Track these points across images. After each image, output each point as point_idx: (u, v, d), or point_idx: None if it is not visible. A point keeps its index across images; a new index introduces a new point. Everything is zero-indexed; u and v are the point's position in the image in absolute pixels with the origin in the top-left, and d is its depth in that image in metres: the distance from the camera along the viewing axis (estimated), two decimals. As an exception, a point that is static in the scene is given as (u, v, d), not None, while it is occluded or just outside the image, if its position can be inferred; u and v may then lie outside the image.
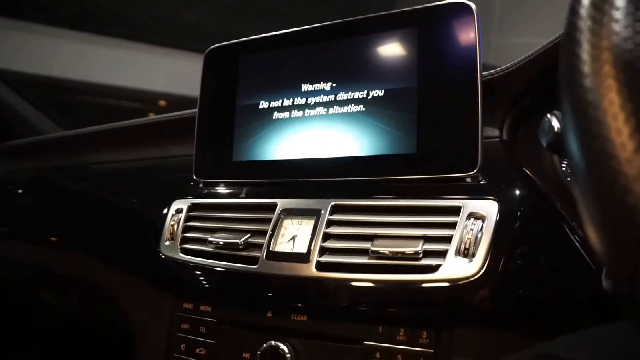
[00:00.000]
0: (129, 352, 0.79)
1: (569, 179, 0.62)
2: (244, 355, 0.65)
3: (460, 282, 0.54)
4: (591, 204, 0.31)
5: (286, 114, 0.73)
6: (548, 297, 0.55)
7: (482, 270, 0.53)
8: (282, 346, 0.61)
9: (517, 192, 0.59)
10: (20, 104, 1.48)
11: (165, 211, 0.79)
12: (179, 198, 0.79)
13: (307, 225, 0.65)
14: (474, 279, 0.53)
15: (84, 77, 4.00)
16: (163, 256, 0.74)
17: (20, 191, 1.09)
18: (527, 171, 0.62)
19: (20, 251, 1.02)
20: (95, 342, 1.01)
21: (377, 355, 0.58)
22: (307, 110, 0.71)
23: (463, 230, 0.56)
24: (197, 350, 0.70)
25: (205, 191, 0.79)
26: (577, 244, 0.56)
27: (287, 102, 0.73)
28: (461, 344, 0.54)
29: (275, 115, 0.74)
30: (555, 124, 0.47)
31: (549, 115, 0.48)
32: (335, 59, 0.70)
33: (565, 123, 0.33)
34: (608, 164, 0.28)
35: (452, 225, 0.57)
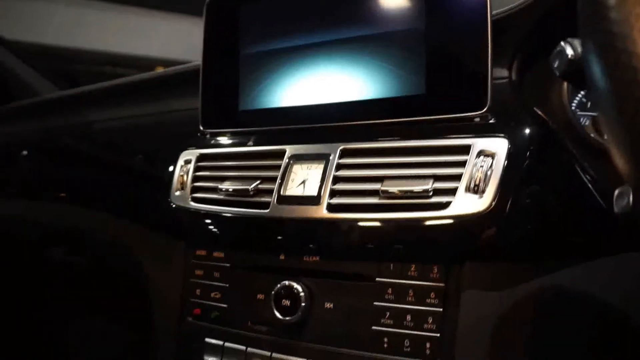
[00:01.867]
0: (144, 301, 0.81)
1: (580, 118, 0.63)
2: (258, 296, 0.67)
3: (470, 218, 0.55)
4: (618, 125, 0.31)
5: (291, 60, 0.72)
6: (557, 232, 0.56)
7: (492, 206, 0.54)
8: (295, 285, 0.63)
9: (527, 130, 0.59)
10: (18, 66, 1.46)
11: (173, 163, 0.79)
12: (187, 149, 0.80)
13: (316, 169, 0.66)
14: (484, 214, 0.54)
15: (78, 44, 3.92)
16: (174, 205, 0.75)
17: (26, 151, 1.09)
18: (536, 110, 0.62)
19: (30, 210, 1.03)
20: (111, 295, 1.03)
21: (389, 291, 0.59)
22: (312, 55, 0.70)
23: (473, 168, 0.56)
24: (212, 295, 0.72)
25: (213, 142, 0.79)
26: (587, 182, 0.57)
27: (291, 48, 0.72)
28: (471, 277, 0.56)
29: (280, 61, 0.73)
30: (570, 51, 0.47)
31: (562, 43, 0.48)
32: (340, 0, 0.69)
33: (587, 44, 0.33)
34: (636, 79, 0.28)
35: (462, 164, 0.58)
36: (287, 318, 0.62)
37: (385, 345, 0.59)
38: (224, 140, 0.79)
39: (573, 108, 0.64)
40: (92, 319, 1.40)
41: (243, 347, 0.67)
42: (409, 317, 0.58)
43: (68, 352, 1.53)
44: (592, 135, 0.61)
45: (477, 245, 0.56)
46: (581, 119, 0.63)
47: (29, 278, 1.17)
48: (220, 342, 0.69)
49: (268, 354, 0.65)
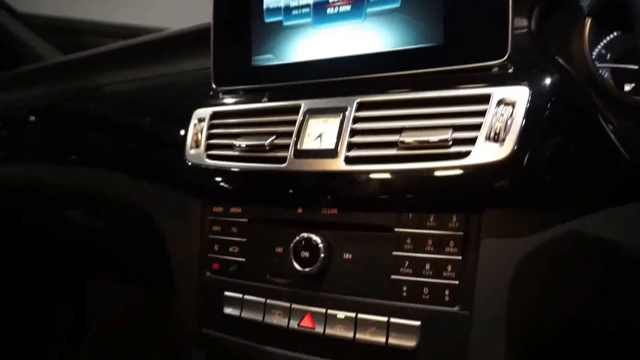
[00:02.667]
0: (163, 259, 0.82)
1: (600, 70, 0.62)
2: (276, 249, 0.68)
3: (490, 166, 0.54)
4: None
5: (304, 13, 0.70)
6: (577, 180, 0.56)
7: (513, 154, 0.54)
8: (314, 237, 0.63)
9: (549, 78, 0.58)
10: (24, 32, 1.45)
11: (186, 121, 0.79)
12: (200, 108, 0.79)
13: (333, 123, 0.65)
14: (504, 162, 0.54)
15: (80, 15, 3.85)
16: (189, 163, 0.75)
17: (36, 116, 1.09)
18: (558, 59, 0.61)
19: (45, 174, 1.03)
20: (130, 255, 1.05)
21: (408, 241, 0.60)
22: (325, 7, 0.69)
23: (493, 118, 0.56)
24: (231, 249, 0.73)
25: (226, 99, 0.79)
26: (609, 132, 0.56)
27: (304, 0, 0.71)
28: (490, 225, 0.56)
29: (293, 15, 0.71)
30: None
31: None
32: (357, -51, 0.67)
33: None
34: None
35: (482, 113, 0.57)
36: (306, 269, 0.63)
37: (404, 294, 0.59)
38: (237, 97, 0.78)
39: (594, 57, 0.63)
40: (113, 279, 1.44)
41: (262, 299, 0.68)
42: (427, 266, 0.59)
43: (89, 312, 1.57)
44: (613, 86, 0.60)
45: (497, 193, 0.56)
46: (601, 71, 0.62)
47: (49, 240, 1.19)
48: (240, 295, 0.70)
49: (287, 305, 0.66)
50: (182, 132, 0.79)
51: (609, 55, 0.63)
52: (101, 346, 1.62)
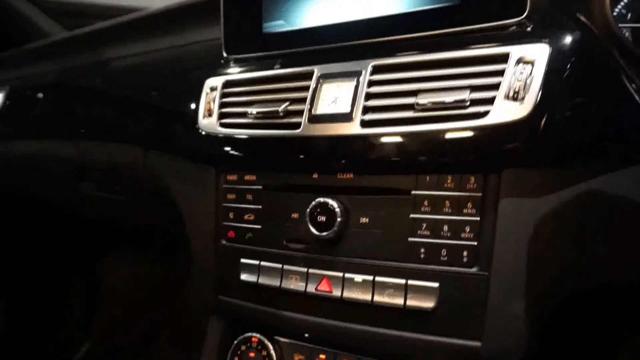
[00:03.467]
0: (178, 229, 0.82)
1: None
2: (292, 215, 0.68)
3: (510, 125, 0.54)
4: None
5: (317, -24, 0.69)
6: (598, 139, 0.55)
7: (532, 112, 0.53)
8: (330, 202, 0.63)
9: (570, 36, 0.56)
10: (31, 11, 1.44)
11: (198, 91, 0.78)
12: (211, 77, 0.78)
13: (347, 87, 0.64)
14: (524, 121, 0.53)
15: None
16: (203, 132, 0.75)
17: (47, 92, 1.09)
18: (579, 17, 0.60)
19: (58, 150, 1.04)
20: (144, 227, 1.05)
21: (425, 203, 0.59)
22: (339, -31, 0.67)
23: (512, 77, 0.55)
24: (246, 217, 0.73)
25: (238, 67, 0.78)
26: (632, 91, 0.55)
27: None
28: (509, 185, 0.55)
29: (305, -22, 0.70)
30: None
31: None
32: None
33: None
34: None
35: (500, 73, 0.56)
36: (323, 234, 0.63)
37: (422, 256, 0.59)
38: (249, 65, 0.77)
39: (615, 15, 0.61)
40: (128, 252, 1.45)
41: (279, 265, 0.68)
42: (445, 228, 0.58)
43: (105, 285, 1.59)
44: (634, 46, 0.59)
45: (516, 152, 0.55)
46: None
47: (64, 215, 1.20)
48: (256, 262, 0.71)
49: (304, 270, 0.66)
50: (194, 102, 0.78)
51: (629, 16, 0.61)
52: (117, 319, 1.65)
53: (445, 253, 0.58)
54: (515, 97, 0.54)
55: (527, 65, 0.55)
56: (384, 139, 0.60)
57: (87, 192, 1.03)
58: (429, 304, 0.58)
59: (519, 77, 0.55)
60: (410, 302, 0.59)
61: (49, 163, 1.06)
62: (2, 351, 1.44)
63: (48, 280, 1.56)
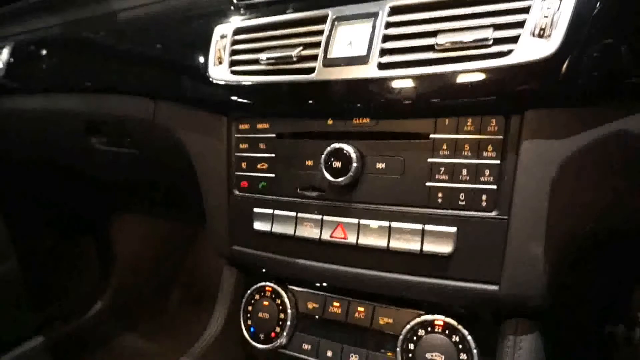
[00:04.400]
0: (190, 181, 0.82)
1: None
2: (306, 162, 0.67)
3: (534, 64, 0.51)
4: None
5: None
6: (626, 78, 0.53)
7: (559, 50, 0.50)
8: (346, 147, 0.62)
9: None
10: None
11: (208, 39, 0.76)
12: (221, 24, 0.76)
13: (364, 29, 0.62)
14: (550, 59, 0.51)
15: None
16: (213, 80, 0.73)
17: (52, 46, 1.06)
18: None
19: (66, 103, 1.02)
20: (156, 181, 1.05)
21: (444, 147, 0.58)
22: None
23: (538, 12, 0.52)
24: (259, 166, 0.72)
25: (248, 14, 0.75)
26: None
27: None
28: (532, 127, 0.54)
29: None
30: None
31: None
32: None
33: None
34: None
35: (526, 10, 0.53)
36: (339, 180, 0.62)
37: (440, 200, 0.58)
38: (259, 10, 0.74)
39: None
40: (141, 206, 1.46)
41: (293, 213, 0.68)
42: (464, 172, 0.57)
43: (119, 241, 1.61)
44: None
45: (540, 93, 0.53)
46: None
47: (76, 171, 1.20)
48: (270, 211, 0.70)
49: (319, 217, 0.66)
50: (204, 51, 0.76)
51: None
52: (131, 275, 1.68)
53: (463, 197, 0.57)
54: (541, 34, 0.52)
55: (555, 0, 0.52)
56: (402, 82, 0.58)
57: (97, 147, 1.02)
58: (446, 249, 0.58)
59: (546, 13, 0.52)
60: (427, 248, 0.59)
61: (58, 118, 1.05)
62: (18, 310, 1.48)
63: (62, 239, 1.58)
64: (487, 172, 0.56)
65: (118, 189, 1.24)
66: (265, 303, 0.75)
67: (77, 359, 1.61)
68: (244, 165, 0.73)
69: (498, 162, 0.55)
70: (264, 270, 0.77)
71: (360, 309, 0.69)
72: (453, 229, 0.58)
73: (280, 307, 0.74)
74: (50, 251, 1.55)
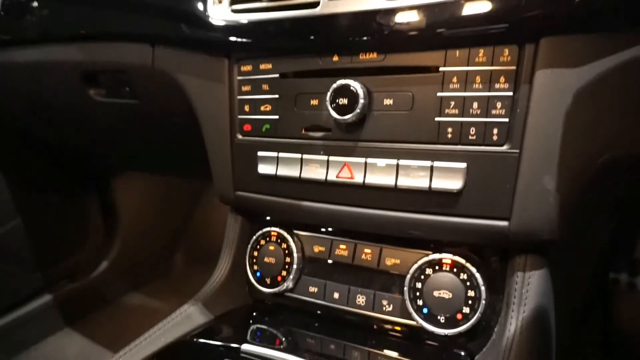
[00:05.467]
0: (192, 129, 0.80)
1: None
2: (311, 102, 0.65)
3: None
4: None
5: None
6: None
7: None
8: (352, 84, 0.60)
9: None
10: None
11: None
12: None
13: (370, -42, 0.59)
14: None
15: None
16: (213, 20, 0.70)
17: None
18: None
19: (62, 54, 0.99)
20: (158, 130, 1.03)
21: (454, 80, 0.56)
22: None
23: None
24: (262, 108, 0.70)
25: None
26: None
27: None
28: (547, 55, 0.51)
29: None
30: None
31: None
32: None
33: None
34: None
35: None
36: (345, 117, 0.60)
37: (449, 136, 0.57)
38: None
39: None
40: (143, 162, 1.45)
41: (298, 155, 0.66)
42: (475, 105, 0.55)
43: (122, 196, 1.61)
44: None
45: (556, 16, 0.50)
46: None
47: (76, 125, 1.18)
48: (274, 154, 0.69)
49: (325, 158, 0.64)
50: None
51: None
52: (135, 234, 1.69)
53: (474, 132, 0.56)
54: (557, -47, 0.49)
55: None
56: (411, 12, 0.55)
57: (96, 99, 0.99)
58: (455, 185, 0.57)
59: None
60: (436, 185, 0.58)
61: (54, 70, 1.02)
62: (24, 269, 1.49)
63: (65, 198, 1.57)
64: (498, 104, 0.54)
65: (119, 141, 1.22)
66: (271, 248, 0.75)
67: (84, 316, 1.63)
68: (246, 108, 0.72)
69: (510, 94, 0.54)
70: (268, 218, 0.76)
71: (367, 250, 0.68)
72: (463, 165, 0.56)
73: (286, 251, 0.74)
74: (54, 210, 1.55)
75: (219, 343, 0.63)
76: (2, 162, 1.37)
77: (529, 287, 0.58)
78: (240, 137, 0.73)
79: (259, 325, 0.70)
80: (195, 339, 0.64)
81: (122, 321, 1.64)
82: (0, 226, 1.39)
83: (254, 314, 0.75)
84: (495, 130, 0.55)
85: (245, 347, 0.60)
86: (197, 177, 1.60)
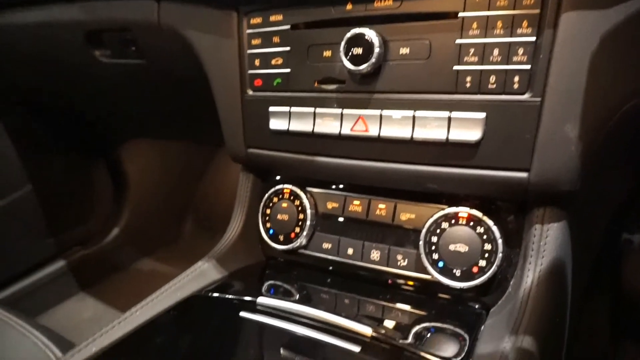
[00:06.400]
0: (200, 87, 0.78)
1: None
2: (324, 54, 0.63)
3: None
4: None
5: None
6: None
7: None
8: (367, 32, 0.58)
9: None
10: None
11: None
12: None
13: None
14: None
15: None
16: (221, -30, 0.68)
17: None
18: None
19: (64, 13, 0.97)
20: (166, 88, 1.02)
21: (474, 25, 0.53)
22: None
23: None
24: (273, 62, 0.68)
25: None
26: None
27: None
28: (573, -2, 0.49)
29: None
30: None
31: None
32: None
33: None
34: None
35: None
36: (360, 68, 0.58)
37: (468, 85, 0.55)
38: None
39: None
40: (152, 126, 1.44)
41: (311, 109, 0.65)
42: (496, 52, 0.53)
43: (131, 166, 1.61)
44: None
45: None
46: None
47: (83, 84, 1.16)
48: (286, 109, 0.67)
49: (338, 111, 0.63)
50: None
51: None
52: (144, 202, 1.70)
53: (494, 80, 0.54)
54: None
55: None
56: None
57: (102, 60, 0.97)
58: (474, 136, 0.55)
59: None
60: (454, 136, 0.56)
61: (58, 31, 0.99)
62: (36, 235, 1.50)
63: (75, 165, 1.57)
64: (520, 51, 0.52)
65: (127, 108, 1.21)
66: (284, 205, 0.75)
67: (98, 282, 1.66)
68: (257, 62, 0.70)
69: (533, 39, 0.51)
70: (278, 177, 0.75)
71: (382, 206, 0.68)
72: (482, 115, 0.55)
73: (299, 208, 0.73)
74: (64, 178, 1.55)
75: (235, 297, 0.63)
76: (11, 130, 1.36)
77: (547, 240, 0.57)
78: (250, 92, 0.72)
79: (273, 281, 0.70)
80: (210, 293, 0.65)
81: (134, 286, 1.67)
82: (12, 192, 1.40)
83: (268, 270, 0.75)
84: (516, 78, 0.53)
85: (261, 300, 0.61)
86: (206, 143, 1.59)
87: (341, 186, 0.73)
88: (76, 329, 1.46)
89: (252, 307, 0.60)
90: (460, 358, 0.50)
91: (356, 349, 0.51)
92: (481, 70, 0.54)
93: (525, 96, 0.53)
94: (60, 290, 1.60)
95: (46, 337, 0.78)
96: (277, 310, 0.59)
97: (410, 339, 0.54)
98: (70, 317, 1.57)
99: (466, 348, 0.52)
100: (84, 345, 0.57)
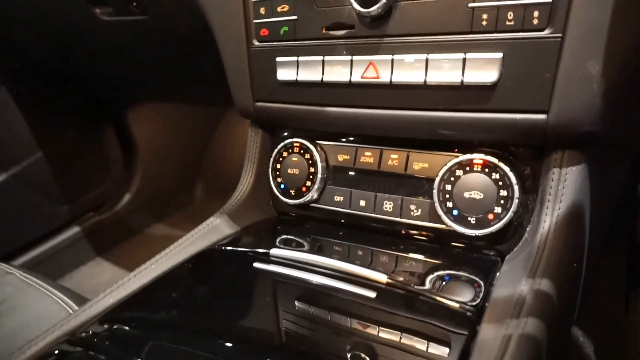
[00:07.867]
0: (205, 41, 0.76)
1: None
2: (332, -3, 0.60)
3: None
4: None
5: None
6: None
7: None
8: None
9: None
10: None
11: None
12: None
13: None
14: None
15: None
16: None
17: None
18: None
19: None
20: (170, 45, 0.99)
21: (491, -42, 0.51)
22: None
23: None
24: (279, 9, 0.65)
25: None
26: None
27: None
28: None
29: None
30: None
31: None
32: None
33: None
34: None
35: None
36: (370, 10, 0.56)
37: (484, 23, 0.52)
38: None
39: None
40: (157, 88, 1.43)
41: (320, 57, 0.63)
42: (514, -12, 0.50)
43: (139, 131, 1.60)
44: None
45: None
46: None
47: (86, 45, 1.14)
48: (294, 58, 0.65)
49: (348, 58, 0.60)
50: None
51: None
52: (155, 164, 1.70)
53: (512, 16, 0.51)
54: None
55: None
56: None
57: (103, 19, 0.95)
58: (490, 78, 0.53)
59: None
60: (469, 78, 0.54)
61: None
62: (50, 202, 1.52)
63: (84, 130, 1.57)
64: None
65: (132, 69, 1.19)
66: (294, 159, 0.74)
67: (113, 247, 1.69)
68: (262, 10, 0.67)
69: (554, -27, 0.48)
70: (286, 134, 0.73)
71: (394, 156, 0.66)
72: (498, 55, 0.52)
73: (310, 162, 0.72)
74: (73, 145, 1.55)
75: (248, 249, 0.63)
76: (21, 97, 1.36)
77: (565, 184, 0.55)
78: (256, 43, 0.69)
79: (285, 234, 0.70)
80: (224, 247, 0.65)
81: (149, 250, 1.69)
82: (25, 158, 1.41)
83: (280, 224, 0.75)
84: (535, 13, 0.50)
85: (274, 251, 0.61)
86: (212, 105, 1.57)
87: (351, 138, 0.72)
88: (94, 291, 1.50)
89: (266, 259, 0.60)
90: (476, 302, 0.50)
91: (372, 294, 0.51)
92: (498, 6, 0.51)
93: (546, 32, 0.50)
94: (77, 255, 1.63)
95: (67, 296, 0.79)
96: (291, 260, 0.59)
97: (426, 286, 0.54)
98: (88, 280, 1.60)
99: (482, 293, 0.52)
100: (102, 297, 0.58)
